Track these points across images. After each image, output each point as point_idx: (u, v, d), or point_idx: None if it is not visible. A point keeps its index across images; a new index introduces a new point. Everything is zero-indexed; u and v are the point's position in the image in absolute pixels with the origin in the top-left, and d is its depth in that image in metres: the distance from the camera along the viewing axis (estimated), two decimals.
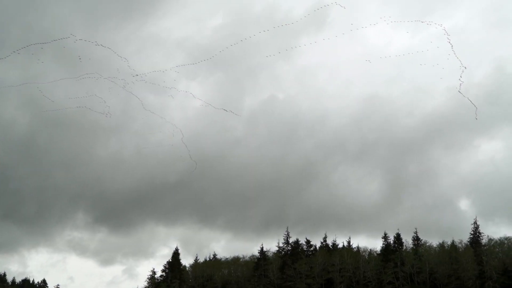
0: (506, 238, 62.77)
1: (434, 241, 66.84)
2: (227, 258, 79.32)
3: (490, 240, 62.93)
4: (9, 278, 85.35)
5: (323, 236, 72.54)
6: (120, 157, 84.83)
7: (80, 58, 43.65)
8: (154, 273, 76.60)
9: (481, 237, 63.46)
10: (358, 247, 69.34)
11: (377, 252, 66.62)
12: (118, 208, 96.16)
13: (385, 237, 66.00)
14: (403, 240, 65.88)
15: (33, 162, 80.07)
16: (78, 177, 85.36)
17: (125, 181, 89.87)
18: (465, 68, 30.26)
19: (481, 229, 64.24)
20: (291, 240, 71.64)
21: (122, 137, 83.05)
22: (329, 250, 69.35)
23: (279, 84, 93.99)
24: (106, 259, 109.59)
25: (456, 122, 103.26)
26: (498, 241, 62.81)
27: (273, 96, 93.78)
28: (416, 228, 65.51)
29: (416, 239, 65.47)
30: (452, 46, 30.34)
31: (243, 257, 77.06)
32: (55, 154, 78.64)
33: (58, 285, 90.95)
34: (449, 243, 64.11)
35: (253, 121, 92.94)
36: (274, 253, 71.77)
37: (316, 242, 72.44)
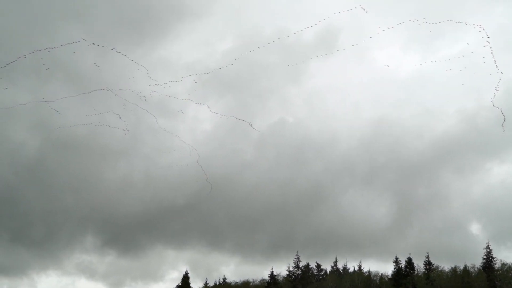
0: None
1: (446, 266, 66.12)
2: (237, 282, 78.91)
3: (504, 264, 62.08)
4: None
5: (333, 259, 72.25)
6: (129, 180, 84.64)
7: (98, 66, 43.48)
8: None
9: (494, 262, 62.71)
10: (369, 271, 68.82)
11: (389, 277, 65.96)
12: (127, 231, 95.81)
13: (396, 262, 65.36)
14: (415, 265, 65.37)
15: (42, 185, 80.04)
16: (87, 200, 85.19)
17: (134, 204, 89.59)
18: (502, 74, 29.28)
19: (493, 254, 63.62)
20: (301, 264, 71.42)
21: (131, 160, 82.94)
22: (339, 274, 68.80)
23: (289, 107, 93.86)
24: (115, 283, 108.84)
25: (466, 145, 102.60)
26: None
27: (283, 119, 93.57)
28: (427, 252, 64.89)
29: (428, 263, 64.69)
30: (491, 49, 29.47)
31: (253, 281, 76.56)
32: (64, 177, 78.48)
33: None
34: (461, 267, 63.37)
35: (262, 144, 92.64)
36: (284, 277, 71.30)
37: (327, 266, 72.18)
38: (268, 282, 70.73)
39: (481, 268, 63.46)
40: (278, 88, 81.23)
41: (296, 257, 71.60)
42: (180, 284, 75.76)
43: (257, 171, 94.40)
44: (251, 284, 75.42)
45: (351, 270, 69.56)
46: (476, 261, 64.76)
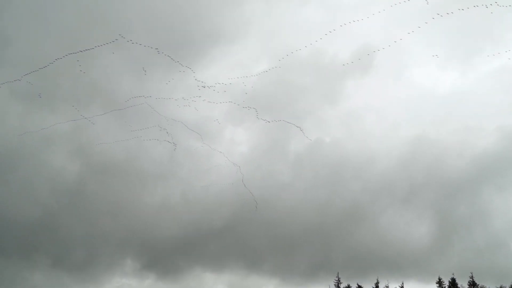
0: None
1: (491, 286, 64.35)
2: None
3: None
4: None
5: (374, 280, 71.00)
6: (167, 203, 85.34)
7: (144, 70, 43.57)
8: None
9: None
10: None
11: None
12: (166, 254, 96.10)
13: (439, 282, 64.06)
14: (459, 285, 63.90)
15: (82, 209, 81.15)
16: (126, 224, 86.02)
17: (172, 227, 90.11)
18: None
19: None
20: (342, 286, 70.49)
21: (169, 182, 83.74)
22: None
23: (325, 127, 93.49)
24: None
25: (508, 162, 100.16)
26: None
27: (319, 139, 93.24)
28: (471, 272, 63.34)
29: (473, 284, 63.16)
30: None
31: None
32: (103, 202, 79.57)
33: None
34: (507, 287, 61.86)
35: (299, 165, 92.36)
36: None
37: (368, 287, 71.12)
38: None
39: None
40: (315, 108, 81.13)
41: (337, 279, 70.85)
42: None
43: (294, 192, 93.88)
44: None
45: None
46: None
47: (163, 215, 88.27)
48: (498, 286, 63.00)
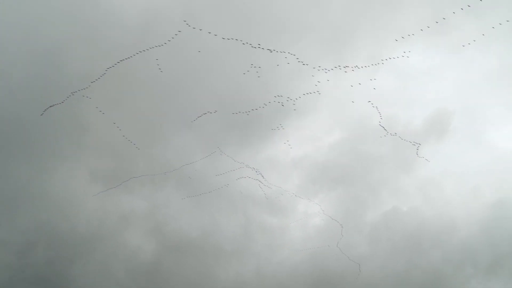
0: None
1: None
2: None
3: None
4: None
5: None
6: (241, 279, 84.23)
7: (254, 67, 42.08)
8: None
9: None
10: None
11: None
12: None
13: None
14: None
15: None
16: None
17: None
18: None
19: None
20: None
21: (242, 259, 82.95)
22: None
23: (402, 196, 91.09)
24: None
25: None
26: None
27: (396, 208, 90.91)
28: None
29: None
30: None
31: None
32: (178, 280, 79.31)
33: None
34: None
35: (376, 235, 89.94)
36: None
37: None
38: None
39: None
40: (390, 178, 79.43)
41: None
42: None
43: (372, 264, 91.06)
44: None
45: None
46: None
47: None
48: None
